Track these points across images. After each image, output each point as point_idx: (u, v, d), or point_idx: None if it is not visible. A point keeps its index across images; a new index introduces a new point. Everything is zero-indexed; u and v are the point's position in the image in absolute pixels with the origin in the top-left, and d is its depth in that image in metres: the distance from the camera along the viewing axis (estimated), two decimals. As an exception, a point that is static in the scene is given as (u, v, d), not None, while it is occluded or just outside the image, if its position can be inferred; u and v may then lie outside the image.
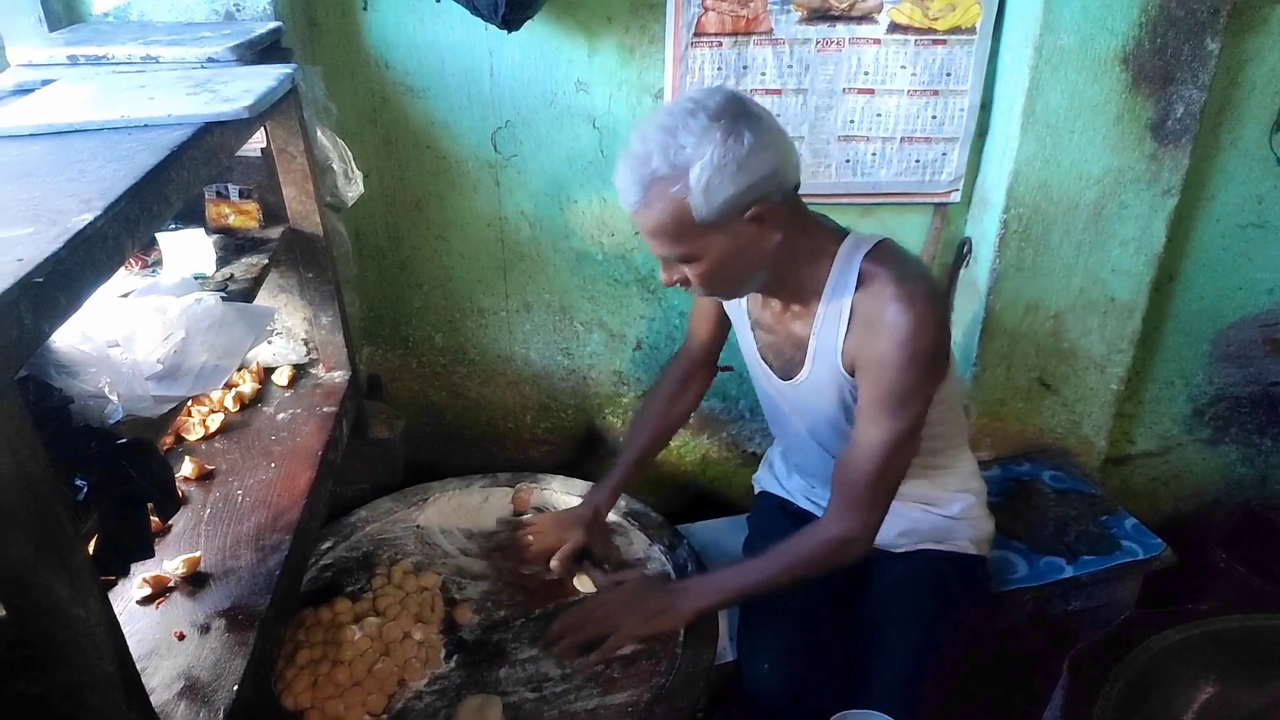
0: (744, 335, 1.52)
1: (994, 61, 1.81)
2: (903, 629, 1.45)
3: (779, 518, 1.67)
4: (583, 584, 1.61)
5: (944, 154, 1.88)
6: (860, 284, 1.30)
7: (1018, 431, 2.16)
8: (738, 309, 1.51)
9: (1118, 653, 1.10)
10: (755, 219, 1.21)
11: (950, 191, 1.93)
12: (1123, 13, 1.69)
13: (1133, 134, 1.81)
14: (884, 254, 1.31)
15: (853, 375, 1.34)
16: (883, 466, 1.32)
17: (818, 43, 1.76)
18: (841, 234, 1.35)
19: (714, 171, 1.14)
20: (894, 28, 1.75)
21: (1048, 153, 1.81)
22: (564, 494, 1.85)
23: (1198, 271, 2.10)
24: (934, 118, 1.84)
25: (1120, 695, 1.04)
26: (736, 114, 1.16)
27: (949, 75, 1.80)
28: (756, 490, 1.81)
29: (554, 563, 1.61)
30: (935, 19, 1.75)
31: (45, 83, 1.20)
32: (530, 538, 1.66)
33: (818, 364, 1.38)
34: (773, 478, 1.75)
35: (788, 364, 1.44)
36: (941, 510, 1.55)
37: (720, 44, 1.75)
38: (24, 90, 1.20)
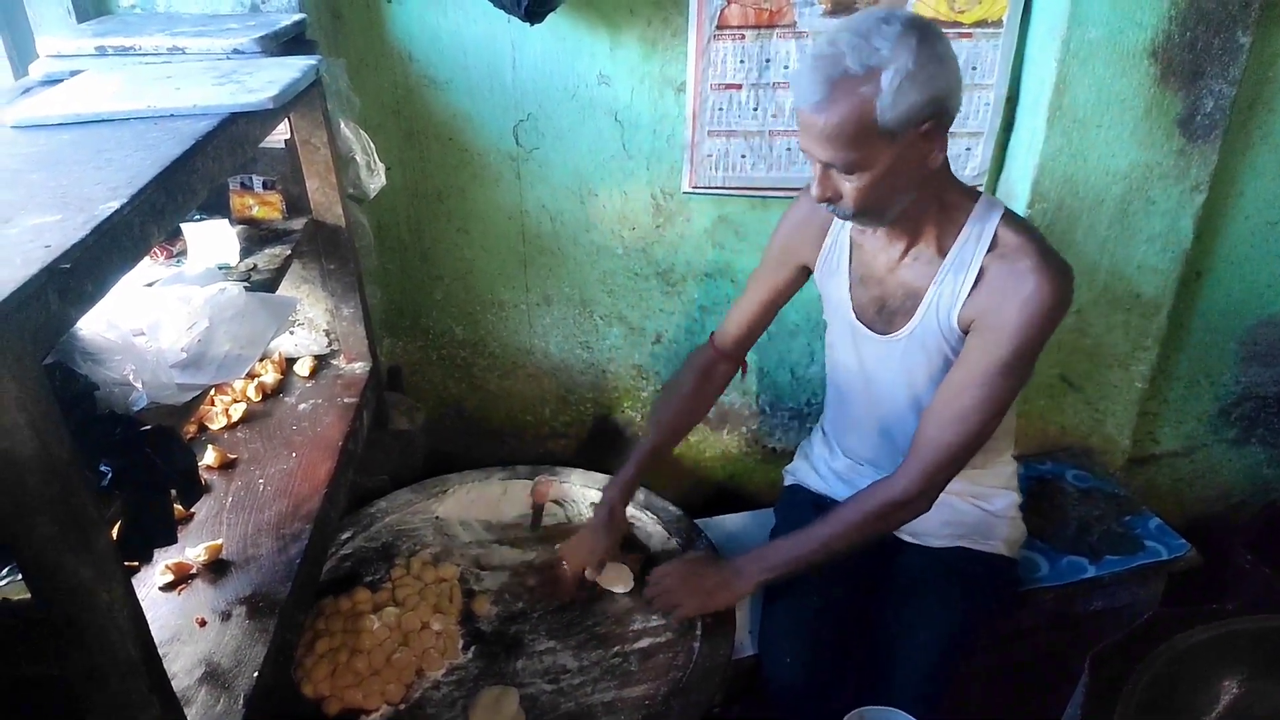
0: (838, 296, 1.49)
1: (1020, 55, 1.79)
2: (928, 627, 1.44)
3: (810, 511, 1.65)
4: (609, 582, 1.60)
5: (968, 148, 1.86)
6: (994, 245, 1.30)
7: (1040, 429, 2.13)
8: (835, 269, 1.49)
9: (1140, 651, 1.08)
10: (927, 135, 1.21)
11: (975, 186, 1.91)
12: (1152, 6, 1.66)
13: (1161, 129, 1.78)
14: (1020, 223, 1.33)
15: (964, 333, 1.34)
16: (970, 433, 1.32)
17: (841, 36, 1.75)
18: (975, 191, 1.36)
19: (906, 77, 1.14)
20: (919, 20, 1.74)
21: (1074, 147, 1.79)
22: (582, 487, 1.85)
23: (1226, 268, 2.06)
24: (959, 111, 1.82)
25: (1142, 694, 1.02)
26: (925, 26, 1.17)
27: (974, 69, 1.78)
28: (787, 482, 1.79)
29: (589, 574, 1.60)
30: (961, 12, 1.73)
31: (73, 73, 1.22)
32: (564, 566, 1.62)
33: (928, 316, 1.37)
34: (809, 468, 1.73)
35: (890, 316, 1.42)
36: (985, 504, 1.54)
37: (743, 37, 1.74)
38: (52, 80, 1.21)
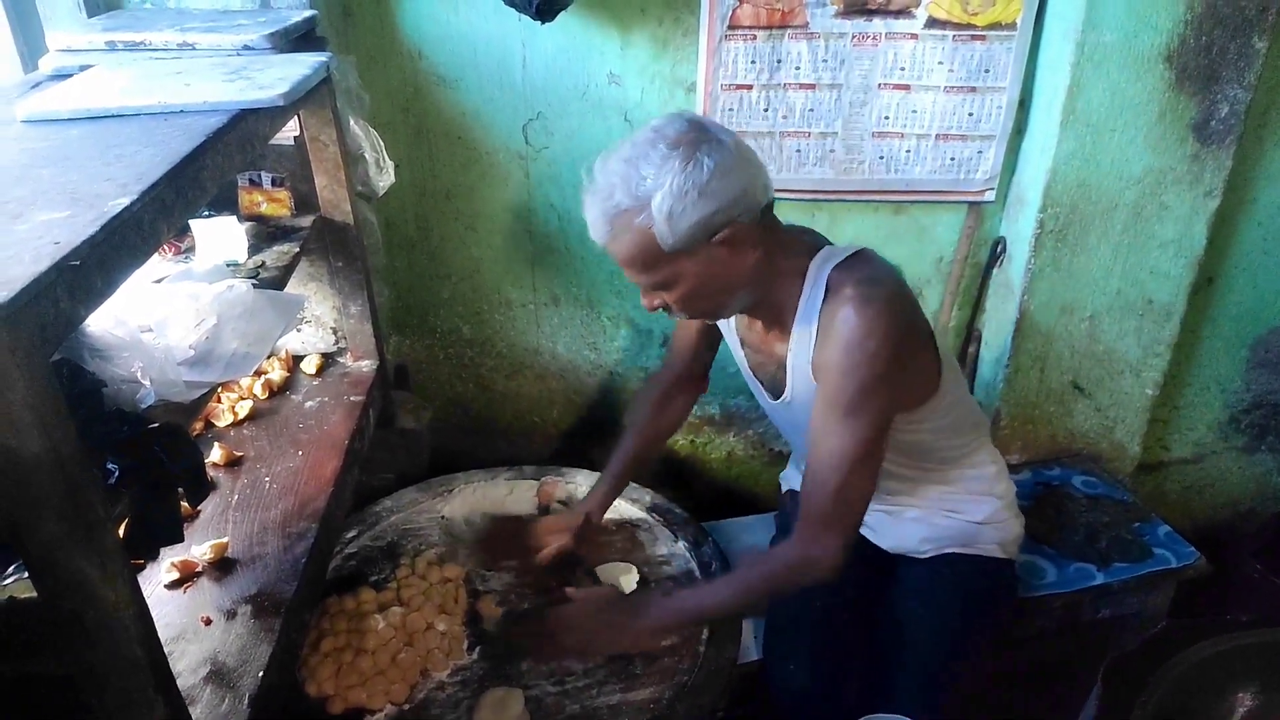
0: (736, 353, 1.50)
1: (1033, 58, 1.78)
2: (928, 632, 1.43)
3: None
4: (611, 578, 1.60)
5: (980, 152, 1.85)
6: (826, 296, 1.25)
7: (1049, 435, 2.12)
8: (727, 327, 1.49)
9: (1153, 663, 1.07)
10: (725, 242, 1.18)
11: (985, 190, 1.90)
12: (1167, 10, 1.65)
13: (1175, 133, 1.77)
14: (853, 263, 1.27)
15: None
16: (843, 481, 1.24)
17: (854, 37, 1.74)
18: (814, 248, 1.31)
19: (675, 199, 1.13)
20: (932, 23, 1.73)
21: (1087, 151, 1.78)
22: (588, 488, 1.84)
23: (1238, 275, 2.05)
24: (970, 115, 1.81)
25: (1156, 706, 1.02)
26: (695, 140, 1.15)
27: (987, 72, 1.77)
28: (784, 489, 1.79)
29: (541, 556, 1.59)
30: (975, 14, 1.72)
31: (83, 68, 1.21)
32: (536, 533, 1.62)
33: (797, 383, 1.35)
34: (799, 476, 1.73)
35: (774, 383, 1.42)
36: (965, 516, 1.52)
37: (754, 37, 1.73)
38: (62, 75, 1.21)
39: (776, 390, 1.42)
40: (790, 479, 1.78)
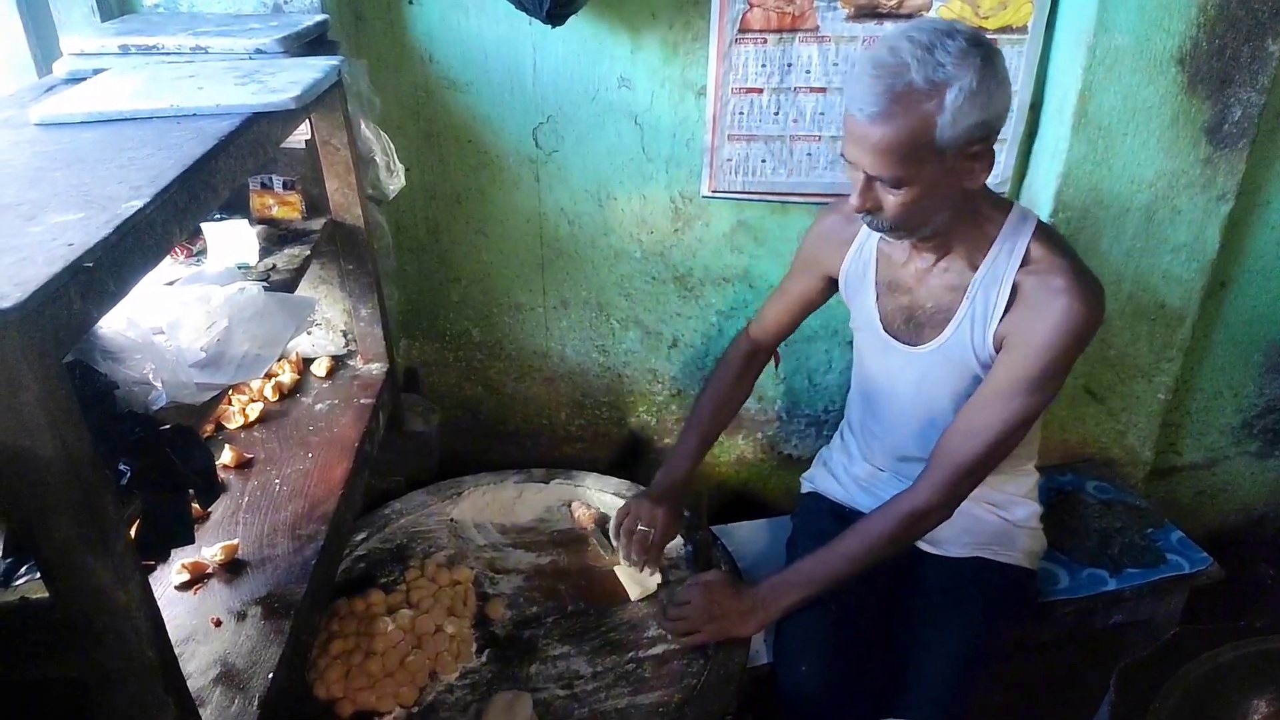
0: (864, 305, 1.49)
1: (1045, 61, 1.77)
2: (947, 639, 1.42)
3: (828, 519, 1.64)
4: (633, 582, 1.59)
5: (991, 155, 1.84)
6: (1026, 261, 1.29)
7: (1061, 440, 2.11)
8: (861, 280, 1.48)
9: (1167, 669, 1.06)
10: (975, 156, 1.19)
11: (1006, 197, 1.89)
12: (1180, 12, 1.65)
13: (1188, 137, 1.76)
14: (1052, 238, 1.32)
15: (996, 351, 1.32)
16: (993, 446, 1.31)
17: (865, 40, 1.74)
18: (1008, 202, 1.34)
19: (969, 96, 1.12)
20: (943, 26, 1.72)
21: (1099, 155, 1.77)
22: (598, 491, 1.84)
23: (1250, 279, 2.04)
24: (981, 118, 1.80)
25: (1170, 713, 1.01)
26: (990, 46, 1.15)
27: (998, 75, 1.76)
28: (805, 490, 1.78)
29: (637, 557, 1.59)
30: (986, 17, 1.71)
31: (96, 72, 1.22)
32: (638, 528, 1.61)
33: (959, 332, 1.35)
34: (829, 475, 1.72)
35: (919, 328, 1.41)
36: (1006, 514, 1.53)
37: (765, 41, 1.73)
38: (76, 79, 1.22)
39: (917, 337, 1.41)
40: (815, 479, 1.76)
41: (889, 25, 1.72)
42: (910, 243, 1.37)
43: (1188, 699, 1.04)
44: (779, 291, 1.65)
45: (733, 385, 1.71)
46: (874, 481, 1.62)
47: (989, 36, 1.68)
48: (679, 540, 1.72)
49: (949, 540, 1.51)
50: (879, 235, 1.40)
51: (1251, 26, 1.66)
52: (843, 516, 1.64)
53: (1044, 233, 1.31)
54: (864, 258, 1.48)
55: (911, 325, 1.43)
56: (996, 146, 1.79)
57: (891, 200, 1.23)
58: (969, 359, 1.36)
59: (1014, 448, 1.35)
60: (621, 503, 1.76)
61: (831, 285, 1.57)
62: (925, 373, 1.42)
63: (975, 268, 1.33)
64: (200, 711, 0.93)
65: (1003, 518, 1.53)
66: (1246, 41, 1.67)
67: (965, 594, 1.48)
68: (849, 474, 1.67)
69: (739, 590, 1.51)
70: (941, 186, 1.21)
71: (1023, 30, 1.72)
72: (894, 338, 1.45)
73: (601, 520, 1.76)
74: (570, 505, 1.80)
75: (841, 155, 1.25)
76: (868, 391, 1.58)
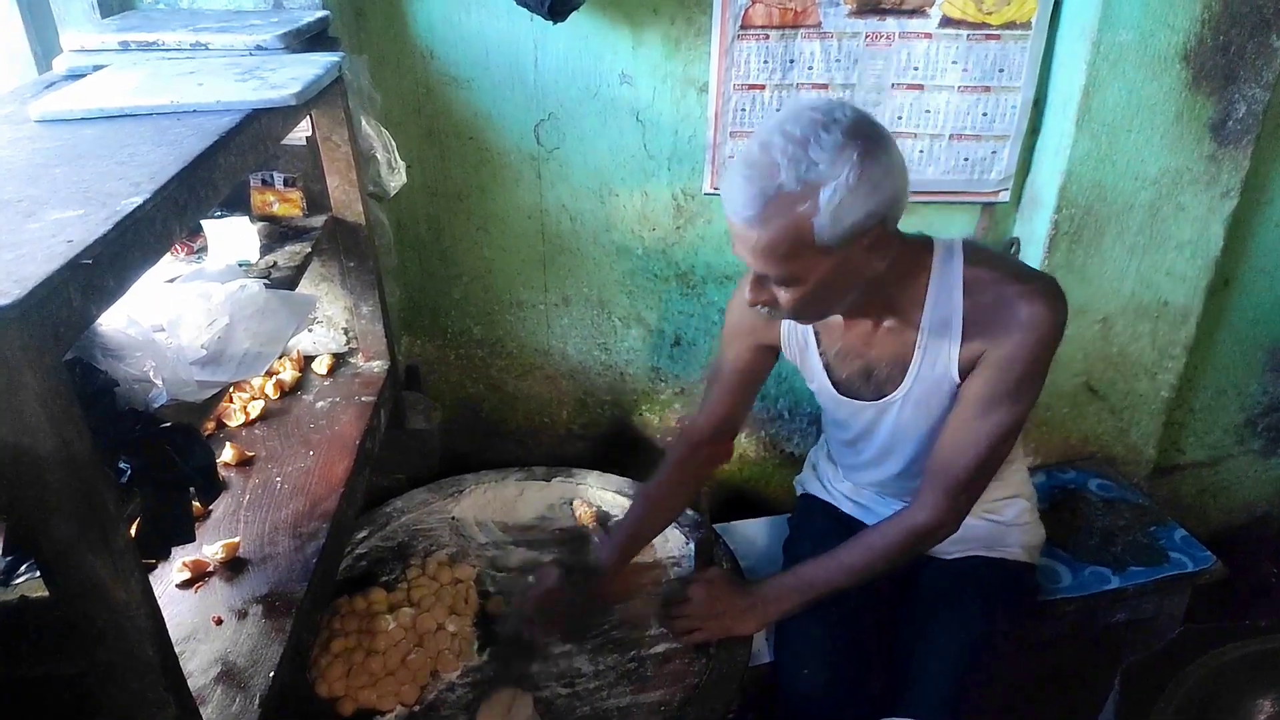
0: (814, 372, 1.46)
1: (1049, 57, 1.76)
2: (948, 637, 1.42)
3: (825, 520, 1.64)
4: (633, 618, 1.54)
5: (994, 152, 1.84)
6: (968, 291, 1.26)
7: (1063, 438, 2.11)
8: (804, 348, 1.45)
9: (1172, 668, 1.06)
10: (869, 245, 1.16)
11: (999, 190, 1.89)
12: (1184, 8, 1.64)
13: (1192, 134, 1.75)
14: (984, 255, 1.30)
15: (962, 378, 1.31)
16: (988, 455, 1.30)
17: (867, 36, 1.73)
18: (927, 242, 1.31)
19: (847, 194, 1.08)
20: (946, 22, 1.72)
21: (1103, 152, 1.76)
22: (599, 489, 1.84)
23: (1255, 277, 2.03)
24: (984, 115, 1.80)
25: (1175, 711, 1.00)
26: (870, 134, 1.10)
27: (1001, 71, 1.76)
28: (799, 492, 1.78)
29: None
30: (989, 13, 1.70)
31: (97, 68, 1.22)
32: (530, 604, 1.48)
33: (921, 379, 1.34)
34: (817, 480, 1.72)
35: (879, 384, 1.39)
36: (995, 515, 1.52)
37: (767, 37, 1.73)
38: (76, 75, 1.21)
39: (881, 390, 1.39)
40: (806, 483, 1.76)
41: (891, 21, 1.72)
42: (844, 314, 1.34)
43: (1193, 698, 1.03)
44: (711, 383, 1.56)
45: (669, 489, 1.57)
46: (859, 496, 1.63)
47: (995, 30, 1.70)
48: (681, 538, 1.72)
49: (941, 546, 1.51)
50: None
51: (1256, 22, 1.65)
52: (837, 518, 1.65)
53: (973, 255, 1.28)
54: (801, 329, 1.44)
55: (872, 382, 1.40)
56: (996, 144, 1.82)
57: (785, 296, 1.20)
58: (939, 396, 1.34)
59: (1007, 455, 1.35)
60: (624, 501, 1.77)
61: (772, 353, 1.51)
62: (895, 419, 1.41)
63: (919, 315, 1.30)
64: (201, 710, 0.93)
65: (992, 520, 1.52)
66: (1251, 38, 1.67)
67: (964, 591, 1.48)
68: (835, 488, 1.67)
69: (740, 588, 1.51)
70: (838, 278, 1.18)
71: (1027, 26, 1.72)
72: (854, 398, 1.43)
73: (603, 519, 1.76)
74: (572, 503, 1.80)
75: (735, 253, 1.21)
76: (841, 438, 1.56)
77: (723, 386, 1.55)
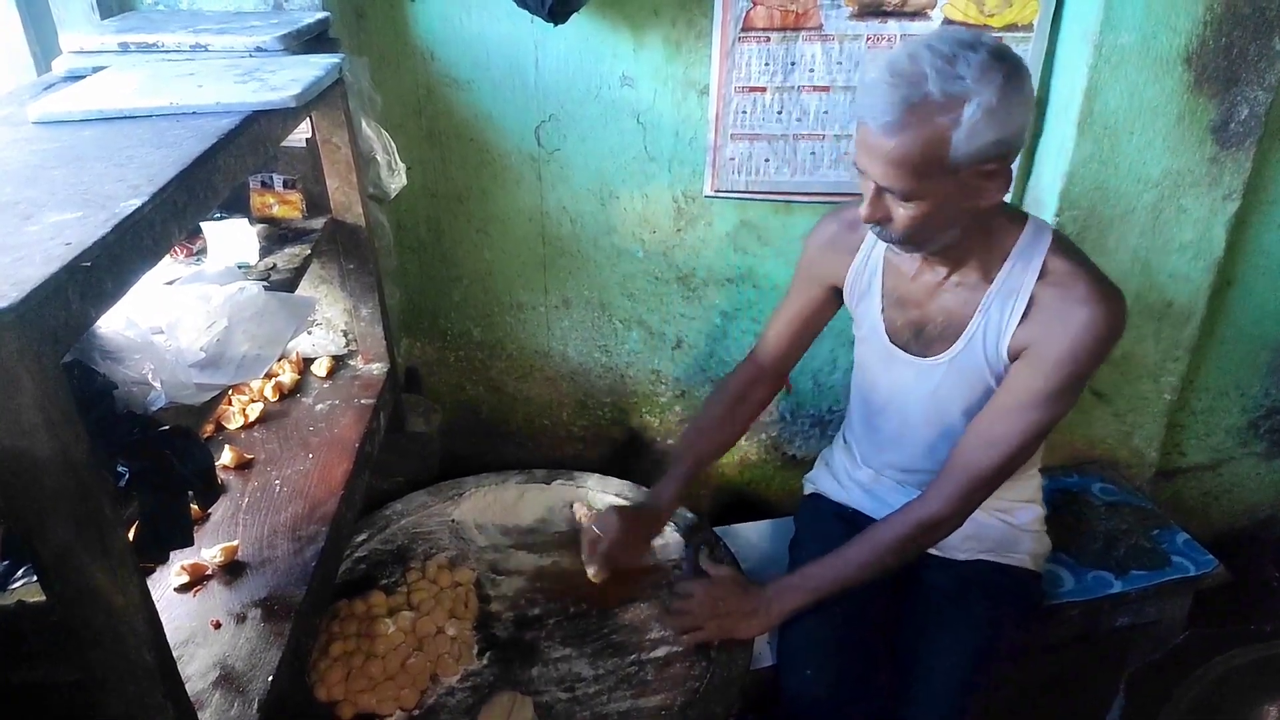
0: (869, 317, 1.45)
1: (1050, 60, 1.76)
2: (953, 642, 1.41)
3: (831, 521, 1.63)
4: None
5: (996, 154, 1.83)
6: (1044, 274, 1.26)
7: (1066, 441, 2.10)
8: (866, 291, 1.45)
9: (1178, 673, 1.05)
10: (990, 175, 1.16)
11: (1022, 209, 1.88)
12: (1186, 11, 1.64)
13: (1194, 136, 1.75)
14: (1070, 249, 1.30)
15: (1011, 362, 1.31)
16: (1009, 457, 1.30)
17: (869, 39, 1.73)
18: (1023, 215, 1.32)
19: (987, 112, 1.08)
20: (948, 24, 1.71)
21: (1105, 154, 1.76)
22: (600, 492, 1.83)
23: (1257, 278, 2.03)
24: (986, 117, 1.79)
25: (1181, 718, 1.00)
26: (1015, 60, 1.12)
27: (1003, 73, 1.75)
28: (807, 491, 1.77)
29: (597, 574, 1.56)
30: (991, 15, 1.70)
31: (96, 69, 1.21)
32: (601, 548, 1.57)
33: (974, 344, 1.33)
34: (830, 477, 1.71)
35: (929, 341, 1.39)
36: (1009, 518, 1.52)
37: (768, 39, 1.72)
38: (75, 76, 1.21)
39: (928, 349, 1.38)
40: (817, 481, 1.74)
41: (893, 24, 1.71)
42: (920, 256, 1.35)
43: (1198, 705, 1.03)
44: (780, 308, 1.60)
45: (725, 412, 1.64)
46: (876, 486, 1.61)
47: (997, 32, 1.70)
48: (682, 539, 1.71)
49: (953, 544, 1.50)
50: (886, 244, 1.37)
51: (1259, 24, 1.65)
52: (845, 518, 1.63)
53: (1061, 244, 1.29)
54: (870, 266, 1.45)
55: (921, 338, 1.40)
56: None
57: (901, 213, 1.19)
58: (982, 370, 1.34)
59: (1028, 458, 1.35)
60: (623, 504, 1.76)
61: (837, 296, 1.53)
62: (936, 385, 1.40)
63: (990, 281, 1.30)
64: (199, 715, 0.92)
65: (1006, 522, 1.52)
66: (1254, 40, 1.66)
67: (970, 596, 1.47)
68: (851, 478, 1.65)
69: (745, 590, 1.50)
70: (953, 203, 1.18)
71: (1028, 28, 1.71)
72: (902, 349, 1.43)
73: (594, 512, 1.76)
74: (572, 506, 1.79)
75: (854, 163, 1.22)
76: (871, 403, 1.55)
77: (785, 322, 1.59)
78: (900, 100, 1.10)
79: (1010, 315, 1.29)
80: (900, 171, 1.14)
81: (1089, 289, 1.24)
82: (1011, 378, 1.30)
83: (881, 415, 1.53)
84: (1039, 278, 1.27)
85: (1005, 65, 1.10)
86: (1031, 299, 1.27)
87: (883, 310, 1.44)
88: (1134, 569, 1.77)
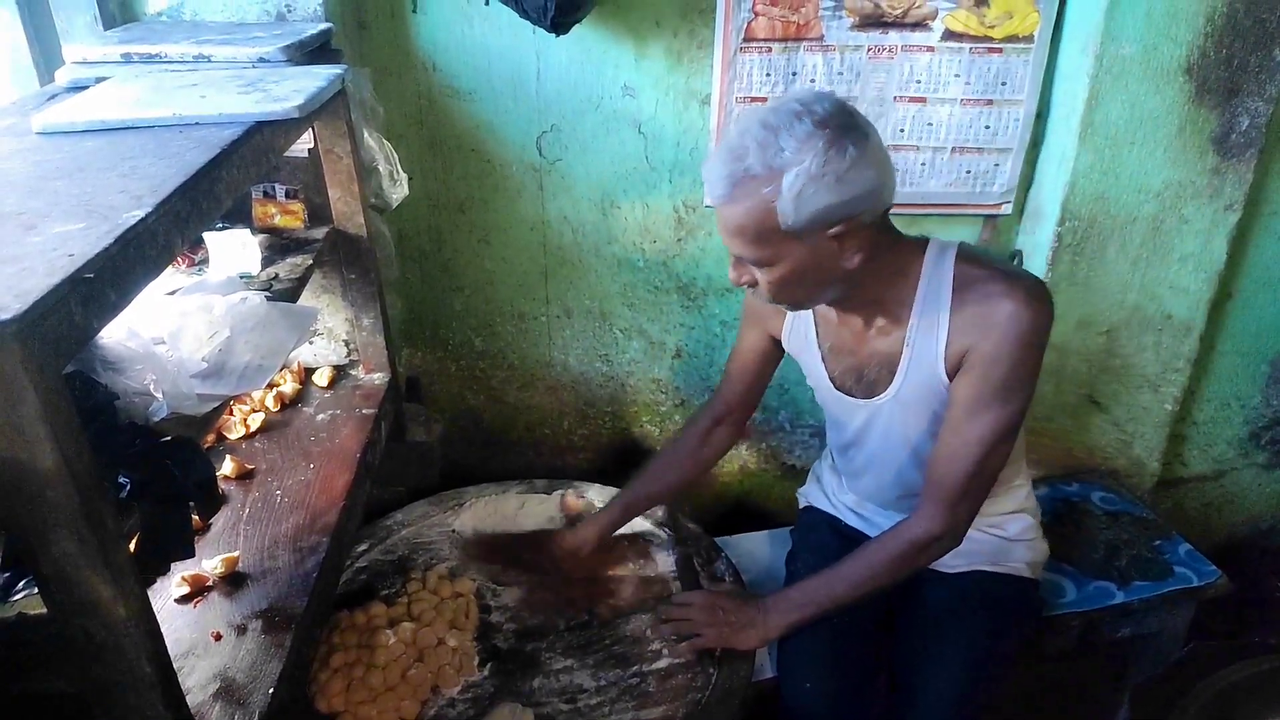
0: (812, 367, 1.48)
1: (1051, 71, 1.77)
2: (952, 652, 1.41)
3: (827, 534, 1.64)
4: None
5: (996, 165, 1.84)
6: (957, 288, 1.27)
7: (1066, 450, 2.10)
8: (804, 342, 1.47)
9: (1182, 686, 1.05)
10: (838, 237, 1.17)
11: (1002, 203, 1.89)
12: (1187, 22, 1.64)
13: (1194, 147, 1.75)
14: (976, 254, 1.31)
15: (950, 377, 1.31)
16: (982, 461, 1.30)
17: (869, 50, 1.73)
18: (922, 242, 1.32)
19: (809, 180, 1.11)
20: (949, 35, 1.72)
21: (1106, 165, 1.76)
22: (601, 501, 1.83)
23: (1258, 290, 2.03)
24: (987, 128, 1.80)
25: (1186, 731, 0.99)
26: (843, 125, 1.13)
27: (1004, 84, 1.76)
28: (802, 505, 1.77)
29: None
30: (992, 27, 1.71)
31: (99, 80, 1.21)
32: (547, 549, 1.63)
33: (911, 378, 1.34)
34: (821, 493, 1.71)
35: (870, 385, 1.40)
36: (999, 530, 1.51)
37: (770, 50, 1.73)
38: (78, 87, 1.21)
39: (872, 390, 1.40)
40: (810, 495, 1.75)
41: (894, 35, 1.72)
42: (834, 310, 1.37)
43: (1203, 717, 1.02)
44: (734, 350, 1.61)
45: (691, 447, 1.66)
46: (862, 509, 1.62)
47: (998, 44, 1.70)
48: (682, 552, 1.71)
49: (946, 559, 1.50)
50: None
51: (1259, 36, 1.66)
52: (841, 531, 1.64)
53: (965, 254, 1.30)
54: (803, 319, 1.46)
55: (863, 382, 1.42)
56: (999, 157, 1.82)
57: (763, 278, 1.24)
58: (928, 398, 1.35)
59: (1004, 460, 1.34)
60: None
61: (779, 345, 1.54)
62: (888, 421, 1.41)
63: (908, 314, 1.31)
64: (200, 727, 0.92)
65: (998, 535, 1.52)
66: (1254, 51, 1.67)
67: (968, 607, 1.47)
68: (839, 499, 1.67)
69: (744, 601, 1.51)
70: (811, 266, 1.20)
71: (1029, 40, 1.72)
72: (848, 395, 1.44)
73: (584, 510, 1.79)
74: (564, 495, 1.81)
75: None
76: (839, 438, 1.57)
77: (738, 368, 1.61)
78: (726, 176, 1.15)
79: (937, 339, 1.29)
80: (741, 240, 1.19)
81: (1004, 285, 1.24)
82: (957, 390, 1.30)
83: (851, 448, 1.55)
84: (953, 293, 1.27)
85: (830, 132, 1.11)
86: (951, 315, 1.28)
87: (822, 359, 1.46)
88: (1136, 579, 1.76)
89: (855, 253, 1.20)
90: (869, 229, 1.19)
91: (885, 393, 1.38)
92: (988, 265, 1.29)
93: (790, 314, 1.47)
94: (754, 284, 1.26)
